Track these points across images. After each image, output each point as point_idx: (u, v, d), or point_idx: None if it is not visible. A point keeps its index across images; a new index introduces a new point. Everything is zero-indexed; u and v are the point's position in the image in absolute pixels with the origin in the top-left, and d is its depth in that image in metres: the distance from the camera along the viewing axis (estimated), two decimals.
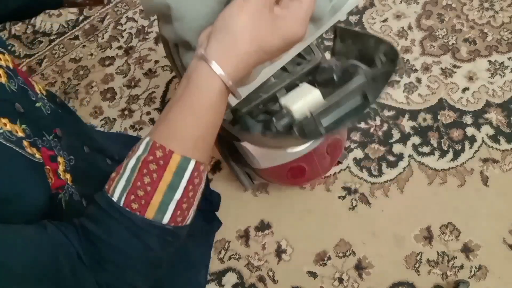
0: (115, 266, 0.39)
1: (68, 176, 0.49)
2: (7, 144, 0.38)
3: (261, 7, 0.38)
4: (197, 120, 0.39)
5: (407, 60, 1.13)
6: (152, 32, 1.29)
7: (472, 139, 1.02)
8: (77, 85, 1.25)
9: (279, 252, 0.98)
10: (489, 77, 1.08)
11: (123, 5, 1.35)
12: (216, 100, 0.39)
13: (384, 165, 1.02)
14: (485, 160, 0.99)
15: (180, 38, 0.45)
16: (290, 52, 0.51)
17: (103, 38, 1.31)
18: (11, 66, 0.47)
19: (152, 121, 1.16)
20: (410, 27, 1.18)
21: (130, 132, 1.15)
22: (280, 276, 0.96)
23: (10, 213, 0.37)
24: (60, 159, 0.48)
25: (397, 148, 1.03)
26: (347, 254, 0.95)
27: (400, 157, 1.02)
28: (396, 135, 1.05)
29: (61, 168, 0.47)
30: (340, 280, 0.93)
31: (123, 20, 1.32)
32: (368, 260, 0.94)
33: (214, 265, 0.98)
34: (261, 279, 0.96)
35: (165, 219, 0.39)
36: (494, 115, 1.03)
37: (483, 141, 1.01)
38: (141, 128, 1.16)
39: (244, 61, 0.39)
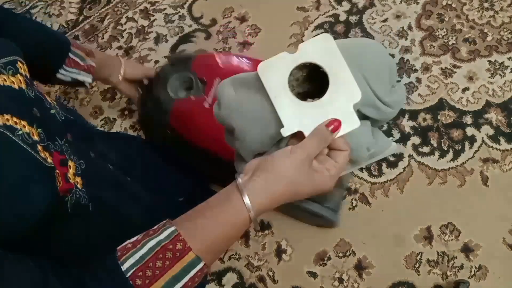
0: None
1: (78, 179, 0.51)
2: (24, 146, 0.42)
3: (304, 159, 0.44)
4: (220, 233, 0.44)
5: (407, 60, 1.13)
6: (152, 32, 1.29)
7: (472, 139, 1.02)
8: None
9: (279, 252, 0.98)
10: (489, 77, 1.08)
11: (123, 5, 1.35)
12: (240, 225, 0.45)
13: (384, 165, 1.02)
14: (485, 160, 0.99)
15: (237, 151, 0.54)
16: None
17: (103, 38, 1.31)
18: (28, 75, 0.52)
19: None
20: (410, 27, 1.18)
21: (130, 132, 1.16)
22: (280, 276, 0.96)
23: (16, 211, 0.40)
24: (70, 163, 0.51)
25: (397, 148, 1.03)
26: (347, 254, 0.95)
27: (400, 157, 1.02)
28: (396, 135, 1.05)
29: (71, 171, 0.50)
30: (340, 280, 0.93)
31: (123, 20, 1.32)
32: (368, 260, 0.94)
33: (214, 265, 0.98)
34: (261, 279, 0.96)
35: None
36: (494, 115, 1.03)
37: (483, 141, 1.01)
38: (141, 128, 1.16)
39: (275, 200, 0.45)
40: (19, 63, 0.50)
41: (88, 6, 1.36)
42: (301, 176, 0.44)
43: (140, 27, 1.31)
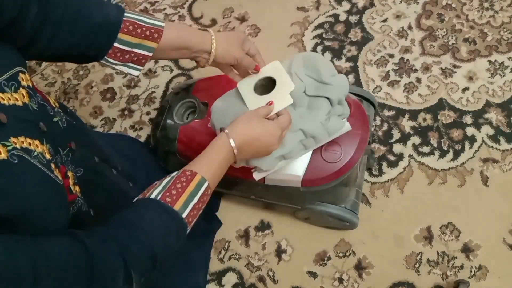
0: (144, 232, 0.49)
1: (77, 188, 0.54)
2: (41, 167, 0.44)
3: (259, 116, 0.66)
4: (214, 161, 0.61)
5: (407, 60, 1.13)
6: None
7: (472, 139, 1.02)
8: (77, 85, 1.25)
9: (279, 252, 0.98)
10: (489, 77, 1.08)
11: (123, 5, 1.35)
12: (225, 157, 0.61)
13: (384, 164, 1.02)
14: (485, 160, 0.99)
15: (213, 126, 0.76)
16: (304, 151, 0.76)
17: None
18: (30, 84, 0.51)
19: (152, 121, 1.16)
20: (410, 27, 1.18)
21: (130, 132, 1.15)
22: (280, 276, 0.96)
23: (33, 228, 0.42)
24: (69, 173, 0.53)
25: (397, 148, 1.03)
26: (347, 254, 0.95)
27: (400, 157, 1.02)
28: (396, 135, 1.05)
29: (71, 182, 0.52)
30: (340, 280, 0.93)
31: None
32: (368, 260, 0.94)
33: (214, 265, 0.98)
34: (261, 279, 0.96)
35: (184, 214, 0.54)
36: (494, 115, 1.03)
37: (483, 141, 1.01)
38: (141, 128, 1.15)
39: (247, 144, 0.63)
40: (21, 74, 0.49)
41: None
42: (258, 122, 0.64)
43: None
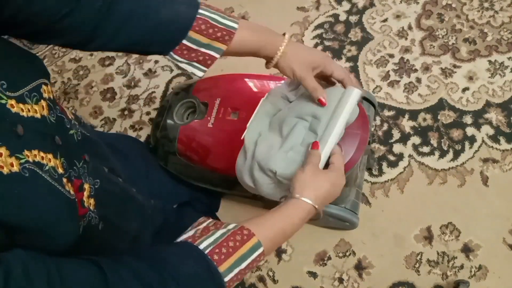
0: (176, 285, 0.45)
1: (91, 201, 0.53)
2: (52, 182, 0.44)
3: (316, 166, 0.63)
4: (277, 228, 0.55)
5: (407, 60, 1.13)
6: None
7: (472, 139, 1.02)
8: (77, 85, 1.25)
9: (279, 252, 0.98)
10: (489, 77, 1.08)
11: None
12: (302, 219, 0.58)
13: (384, 164, 1.02)
14: (485, 160, 0.99)
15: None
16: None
17: None
18: (51, 96, 0.51)
19: (152, 121, 1.16)
20: (410, 27, 1.18)
21: (130, 132, 1.15)
22: (280, 276, 0.96)
23: (43, 243, 0.42)
24: (86, 186, 0.52)
25: (397, 148, 1.03)
26: (347, 254, 0.95)
27: (400, 157, 1.02)
28: (396, 135, 1.05)
29: (85, 194, 0.52)
30: (340, 280, 0.93)
31: None
32: (368, 260, 0.94)
33: None
34: (261, 279, 0.96)
35: (227, 278, 0.49)
36: (494, 115, 1.03)
37: (483, 141, 1.01)
38: (141, 128, 1.16)
39: (320, 198, 0.60)
40: (43, 87, 0.49)
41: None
42: (322, 175, 0.61)
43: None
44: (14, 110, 0.43)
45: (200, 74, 0.64)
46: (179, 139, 0.88)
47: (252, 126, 0.74)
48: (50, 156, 0.45)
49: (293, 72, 0.65)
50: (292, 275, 0.95)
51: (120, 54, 1.27)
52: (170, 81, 1.21)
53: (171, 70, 1.22)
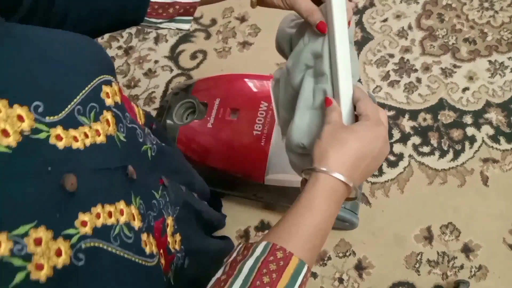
0: None
1: (177, 238, 0.43)
2: (124, 254, 0.32)
3: (337, 122, 0.44)
4: (313, 229, 0.39)
5: (407, 60, 1.13)
6: (152, 32, 1.29)
7: (472, 139, 1.02)
8: None
9: None
10: (489, 77, 1.08)
11: None
12: (335, 202, 0.41)
13: (384, 164, 1.02)
14: (485, 160, 0.99)
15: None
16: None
17: (103, 38, 1.31)
18: (119, 100, 0.38)
19: None
20: (410, 27, 1.18)
21: None
22: None
23: None
24: (168, 221, 0.41)
25: (397, 148, 1.03)
26: (347, 254, 0.95)
27: (400, 157, 1.02)
28: (396, 135, 1.05)
29: (169, 232, 0.41)
30: (340, 280, 0.93)
31: None
32: (368, 260, 0.94)
33: None
34: None
35: None
36: (494, 115, 1.03)
37: (483, 141, 1.01)
38: None
39: (350, 166, 0.41)
40: (104, 88, 0.34)
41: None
42: (346, 133, 0.42)
43: (140, 27, 1.30)
44: (61, 145, 0.29)
45: (186, 26, 0.56)
46: (178, 139, 0.88)
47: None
48: (121, 205, 0.33)
49: None
50: None
51: (120, 54, 1.27)
52: (170, 81, 1.21)
53: (171, 70, 1.22)
